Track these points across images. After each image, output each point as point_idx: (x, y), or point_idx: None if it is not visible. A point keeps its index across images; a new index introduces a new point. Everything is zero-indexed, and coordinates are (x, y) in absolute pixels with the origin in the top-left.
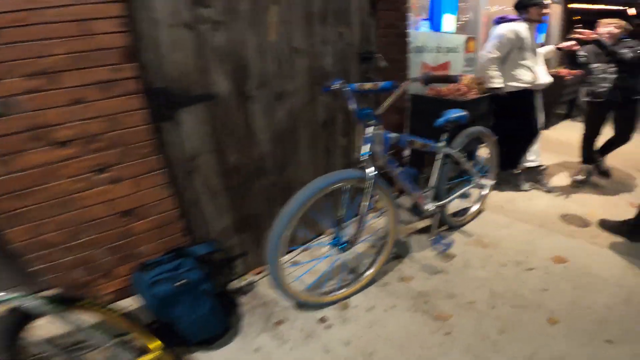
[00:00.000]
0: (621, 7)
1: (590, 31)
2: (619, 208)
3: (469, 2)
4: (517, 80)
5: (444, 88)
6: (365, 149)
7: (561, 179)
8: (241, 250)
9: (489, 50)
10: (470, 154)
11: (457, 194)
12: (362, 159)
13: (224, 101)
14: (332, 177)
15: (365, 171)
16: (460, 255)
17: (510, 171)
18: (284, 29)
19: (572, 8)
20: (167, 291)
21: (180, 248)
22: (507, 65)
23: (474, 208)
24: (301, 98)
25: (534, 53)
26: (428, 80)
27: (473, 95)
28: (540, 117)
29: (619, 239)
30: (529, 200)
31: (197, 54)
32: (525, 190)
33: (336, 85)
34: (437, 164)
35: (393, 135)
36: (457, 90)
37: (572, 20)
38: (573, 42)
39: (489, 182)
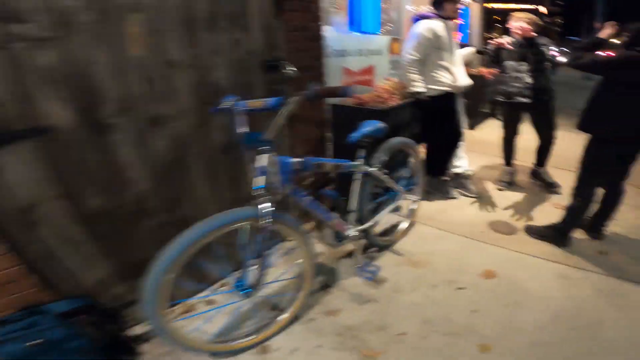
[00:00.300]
0: (534, 6)
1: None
2: (545, 210)
3: (392, 1)
4: (437, 83)
5: (366, 95)
6: (259, 181)
7: (488, 183)
8: (133, 297)
9: (408, 52)
10: (395, 168)
11: (382, 214)
12: (255, 193)
13: (65, 134)
14: (211, 222)
15: (258, 208)
16: (391, 279)
17: (439, 178)
18: (155, 39)
19: (489, 8)
20: (17, 352)
21: (35, 305)
22: (427, 67)
23: (404, 224)
24: (188, 121)
25: (452, 53)
26: (314, 96)
27: (395, 102)
28: (463, 120)
29: (545, 244)
30: (458, 208)
31: (13, 79)
32: (454, 198)
33: (226, 103)
34: (356, 185)
35: (295, 160)
36: (378, 98)
37: (491, 20)
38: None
39: (416, 196)
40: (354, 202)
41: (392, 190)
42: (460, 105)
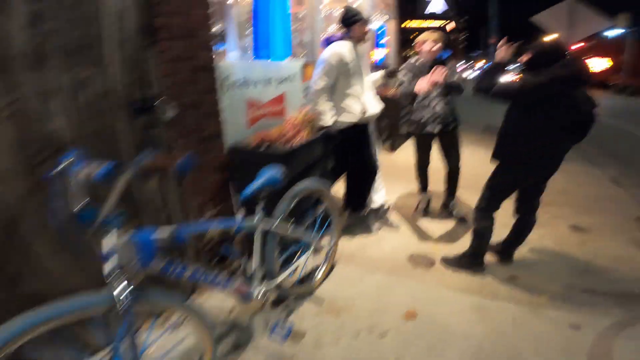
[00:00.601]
0: (444, 22)
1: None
2: (459, 236)
3: (306, 22)
4: (347, 113)
5: (271, 131)
6: (109, 265)
7: (407, 211)
8: None
9: (315, 80)
10: (306, 213)
11: (295, 264)
12: (107, 279)
13: None
14: (45, 312)
15: (113, 293)
16: (311, 332)
17: (359, 212)
18: None
19: (405, 27)
20: None
21: None
22: (335, 97)
23: (323, 268)
24: (11, 188)
25: (362, 78)
26: (142, 172)
27: (303, 138)
28: (378, 149)
29: (462, 275)
30: (379, 242)
31: None
32: (375, 232)
33: (63, 164)
34: (258, 244)
35: (162, 232)
36: (284, 135)
37: (408, 39)
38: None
39: (333, 237)
40: (256, 262)
41: (304, 239)
42: (374, 134)
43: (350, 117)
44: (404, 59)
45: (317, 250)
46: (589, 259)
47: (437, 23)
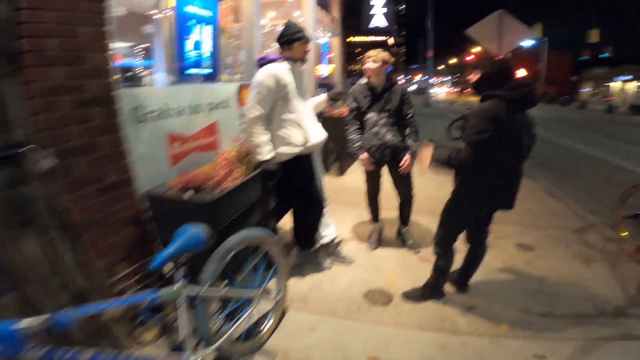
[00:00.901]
0: (385, 38)
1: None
2: (414, 266)
3: (243, 39)
4: (286, 144)
5: (199, 172)
6: None
7: (359, 243)
8: None
9: (249, 108)
10: (244, 264)
11: (237, 322)
12: None
13: None
14: None
15: None
16: None
17: (308, 249)
18: None
19: (350, 41)
20: None
21: None
22: (273, 125)
23: (272, 317)
24: None
25: (302, 102)
26: None
27: (236, 179)
28: (324, 179)
29: (420, 309)
30: (332, 280)
31: None
32: (327, 268)
33: None
34: (182, 313)
35: (32, 320)
36: (212, 177)
37: (353, 53)
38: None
39: (280, 284)
40: (184, 331)
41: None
42: (318, 164)
43: (292, 148)
44: (349, 73)
45: (263, 300)
46: (539, 278)
47: (379, 38)
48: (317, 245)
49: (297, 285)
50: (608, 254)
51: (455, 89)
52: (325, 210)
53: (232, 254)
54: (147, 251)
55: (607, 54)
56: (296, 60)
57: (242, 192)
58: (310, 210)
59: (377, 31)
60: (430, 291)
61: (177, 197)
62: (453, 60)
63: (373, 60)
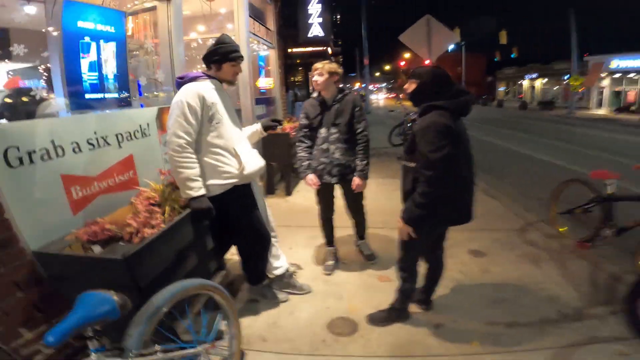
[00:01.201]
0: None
1: None
2: (374, 286)
3: (162, 57)
4: (219, 174)
5: (111, 217)
6: None
7: (314, 269)
8: None
9: (170, 134)
10: (182, 317)
11: None
12: None
13: None
14: None
15: None
16: None
17: (260, 285)
18: None
19: (291, 52)
20: None
21: None
22: (202, 153)
23: None
24: None
25: (234, 126)
26: None
27: (159, 225)
28: (265, 209)
29: (388, 335)
30: (291, 315)
31: None
32: (284, 301)
33: None
34: None
35: None
36: (128, 224)
37: (294, 64)
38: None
39: (229, 334)
40: None
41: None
42: (258, 193)
43: (225, 179)
44: (291, 85)
45: (213, 353)
46: (496, 285)
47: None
48: (270, 279)
49: (253, 324)
50: (552, 252)
51: (392, 95)
52: (273, 241)
53: (164, 311)
54: (52, 311)
55: (513, 55)
56: (223, 81)
57: (169, 239)
58: (254, 245)
59: (315, 41)
60: (396, 313)
61: (77, 254)
62: (387, 67)
63: (319, 73)
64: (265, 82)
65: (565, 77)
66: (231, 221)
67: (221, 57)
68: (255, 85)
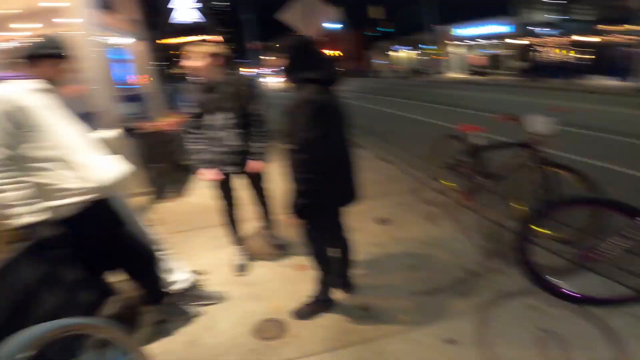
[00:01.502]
0: (201, 37)
1: None
2: (291, 279)
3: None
4: (60, 192)
5: None
6: None
7: (224, 273)
8: None
9: None
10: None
11: None
12: None
13: None
14: None
15: None
16: None
17: (161, 304)
18: None
19: (166, 44)
20: None
21: None
22: (27, 171)
23: None
24: None
25: (72, 130)
26: None
27: None
28: (139, 221)
29: (320, 329)
30: (210, 329)
31: None
32: (199, 316)
33: None
34: None
35: None
36: None
37: (168, 56)
38: None
39: None
40: None
41: None
42: (125, 205)
43: (67, 197)
44: (168, 78)
45: None
46: (406, 253)
47: (199, 37)
48: (172, 295)
49: (170, 348)
50: (445, 207)
51: (282, 78)
52: (160, 255)
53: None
54: None
55: (392, 29)
56: (48, 81)
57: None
58: (133, 264)
59: (194, 29)
60: (321, 305)
61: None
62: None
63: (192, 57)
64: (136, 78)
65: (420, 46)
66: (94, 243)
67: (35, 54)
68: (127, 83)
